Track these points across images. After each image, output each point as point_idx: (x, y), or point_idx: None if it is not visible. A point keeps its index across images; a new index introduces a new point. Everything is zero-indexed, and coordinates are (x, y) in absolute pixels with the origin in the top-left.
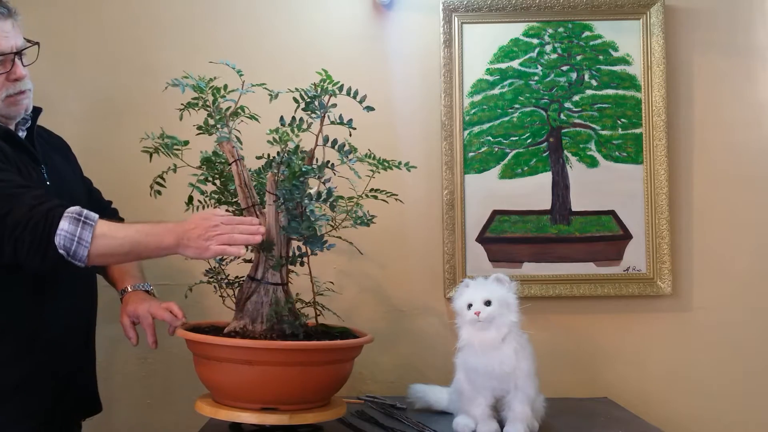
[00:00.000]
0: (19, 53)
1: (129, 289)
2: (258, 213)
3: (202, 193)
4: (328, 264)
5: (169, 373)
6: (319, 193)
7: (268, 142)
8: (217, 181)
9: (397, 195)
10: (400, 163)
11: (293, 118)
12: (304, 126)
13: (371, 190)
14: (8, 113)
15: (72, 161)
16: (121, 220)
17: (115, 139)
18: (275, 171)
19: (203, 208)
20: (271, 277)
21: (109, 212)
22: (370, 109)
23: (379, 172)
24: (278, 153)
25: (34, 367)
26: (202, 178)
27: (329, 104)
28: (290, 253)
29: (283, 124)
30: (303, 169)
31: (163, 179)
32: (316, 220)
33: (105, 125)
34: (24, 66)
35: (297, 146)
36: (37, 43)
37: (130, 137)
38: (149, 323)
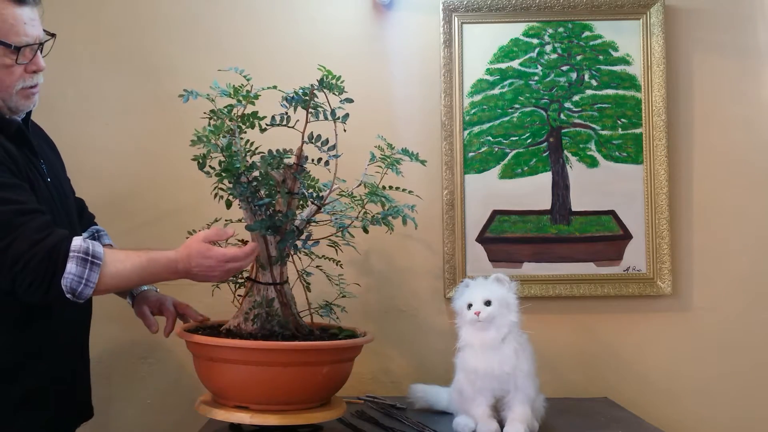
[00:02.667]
0: (41, 45)
1: (143, 289)
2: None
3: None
4: (328, 264)
5: (169, 373)
6: (270, 194)
7: (191, 141)
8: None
9: (413, 191)
10: (412, 153)
11: (282, 115)
12: (291, 124)
13: (383, 187)
14: (17, 106)
15: (59, 156)
16: (92, 216)
17: (116, 139)
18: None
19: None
20: (262, 276)
21: (85, 213)
22: (349, 101)
23: (390, 168)
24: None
25: (37, 379)
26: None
27: (312, 97)
28: (281, 253)
29: (274, 124)
30: (236, 166)
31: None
32: (291, 218)
33: (106, 125)
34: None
35: (229, 145)
36: (54, 35)
37: (130, 137)
38: (172, 313)
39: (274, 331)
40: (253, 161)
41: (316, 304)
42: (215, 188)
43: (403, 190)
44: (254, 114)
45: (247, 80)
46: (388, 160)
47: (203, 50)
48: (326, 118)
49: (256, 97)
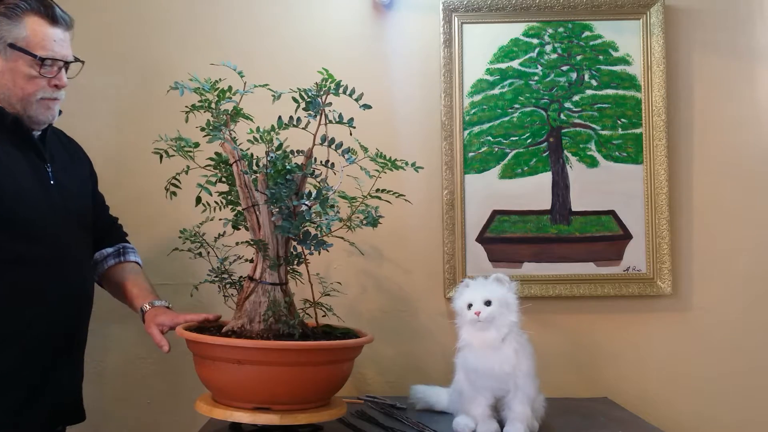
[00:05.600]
0: (67, 64)
1: (155, 303)
2: (257, 213)
3: (211, 194)
4: (329, 264)
5: (169, 373)
6: (309, 193)
7: (248, 141)
8: (228, 182)
9: (404, 195)
10: (407, 163)
11: (290, 117)
12: (302, 125)
13: (377, 190)
14: (36, 115)
15: (85, 169)
16: (124, 235)
17: (118, 139)
18: (263, 171)
19: (213, 210)
20: (269, 276)
21: (114, 230)
22: (366, 107)
23: (385, 172)
24: (266, 153)
25: (5, 370)
26: (213, 180)
27: (325, 102)
28: (288, 253)
29: (281, 125)
30: (287, 168)
31: (178, 180)
32: (308, 219)
33: (107, 125)
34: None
35: (281, 144)
36: (83, 62)
37: (132, 137)
38: (197, 316)
39: (283, 331)
40: (327, 159)
41: (308, 303)
42: (170, 182)
43: (396, 195)
44: (239, 110)
45: (241, 76)
46: (386, 167)
47: (203, 50)
48: (338, 122)
49: (234, 93)
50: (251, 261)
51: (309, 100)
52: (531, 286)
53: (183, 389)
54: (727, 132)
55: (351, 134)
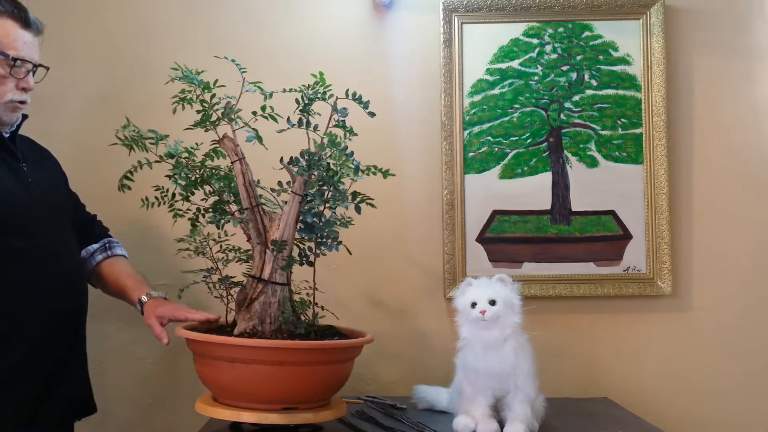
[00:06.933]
0: (35, 68)
1: (152, 295)
2: (261, 213)
3: (182, 186)
4: (328, 264)
5: (169, 373)
6: (354, 194)
7: (318, 145)
8: (191, 176)
9: (373, 199)
10: (381, 169)
11: (300, 119)
12: (302, 126)
13: (352, 193)
14: (1, 117)
15: (57, 168)
16: (106, 230)
17: (115, 139)
18: (306, 171)
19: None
20: (279, 277)
21: (96, 226)
22: (372, 114)
23: (354, 180)
24: (308, 153)
25: (12, 367)
26: (181, 173)
27: (338, 106)
28: (292, 254)
29: (291, 125)
30: (349, 172)
31: (131, 174)
32: (327, 220)
33: (105, 125)
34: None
35: (345, 148)
36: (48, 68)
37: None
38: (197, 312)
39: (291, 331)
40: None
41: (302, 303)
42: (124, 176)
43: (365, 199)
44: (232, 108)
45: (242, 72)
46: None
47: (203, 50)
48: (340, 126)
49: (218, 87)
50: (246, 261)
51: (307, 102)
52: (531, 286)
53: (183, 389)
54: (727, 132)
55: (347, 137)
